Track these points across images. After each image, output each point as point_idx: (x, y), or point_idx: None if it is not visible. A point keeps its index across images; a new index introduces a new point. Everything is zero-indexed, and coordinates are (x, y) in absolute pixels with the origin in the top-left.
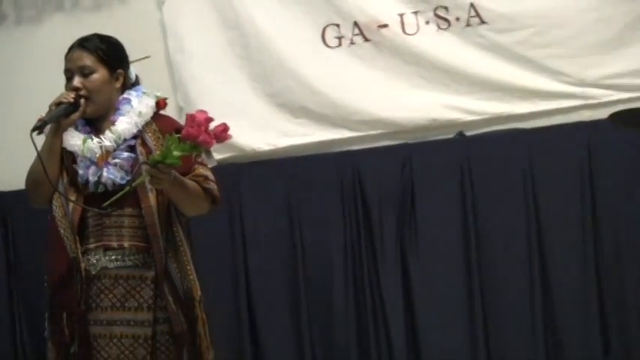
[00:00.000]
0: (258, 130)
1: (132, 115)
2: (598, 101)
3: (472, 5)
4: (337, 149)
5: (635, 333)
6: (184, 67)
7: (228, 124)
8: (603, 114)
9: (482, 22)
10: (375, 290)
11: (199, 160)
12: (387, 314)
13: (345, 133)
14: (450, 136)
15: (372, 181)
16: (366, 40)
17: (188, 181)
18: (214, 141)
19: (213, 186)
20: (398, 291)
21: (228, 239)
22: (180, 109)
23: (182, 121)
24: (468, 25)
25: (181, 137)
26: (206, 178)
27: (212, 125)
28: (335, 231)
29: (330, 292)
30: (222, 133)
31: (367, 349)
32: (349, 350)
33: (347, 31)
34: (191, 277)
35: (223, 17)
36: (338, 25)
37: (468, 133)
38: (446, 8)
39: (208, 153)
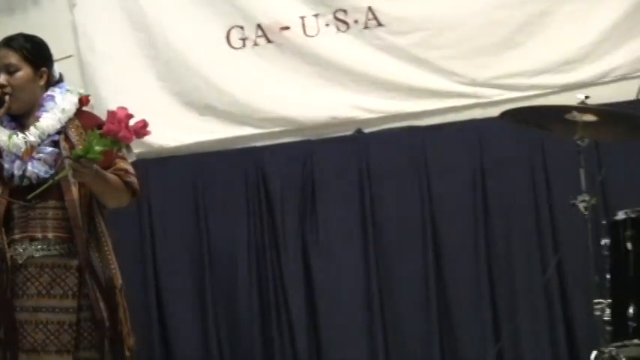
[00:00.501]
0: (166, 127)
1: (55, 111)
2: (489, 100)
3: (370, 9)
4: (241, 145)
5: (524, 329)
6: (95, 67)
7: None
8: (494, 112)
9: (380, 24)
10: (277, 282)
11: (120, 154)
12: (290, 307)
13: (249, 130)
14: (349, 132)
15: (274, 176)
16: (269, 41)
17: (109, 175)
18: (134, 136)
19: (133, 179)
20: (300, 283)
21: (137, 233)
22: (90, 107)
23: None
24: (366, 27)
25: (103, 133)
26: (126, 171)
27: (132, 122)
28: (239, 224)
29: (235, 284)
30: (141, 129)
31: (271, 341)
32: (253, 341)
33: (251, 32)
34: (112, 267)
35: (132, 19)
36: (242, 27)
37: (366, 130)
38: (345, 11)
39: (128, 148)
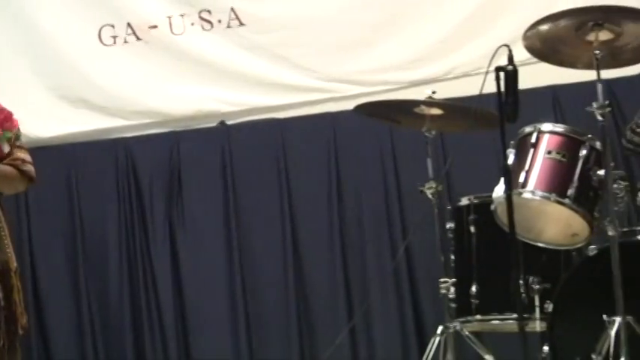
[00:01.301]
0: (42, 119)
1: None
2: (343, 94)
3: (232, 9)
4: (113, 136)
5: (375, 307)
6: None
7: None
8: (348, 105)
9: (242, 24)
10: (146, 260)
11: (17, 144)
12: (157, 285)
13: (120, 122)
14: (213, 124)
15: (143, 165)
16: (139, 39)
17: (3, 166)
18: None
19: (29, 167)
20: (166, 262)
21: (14, 221)
22: None
23: None
24: (229, 27)
25: None
26: (23, 160)
27: None
28: (110, 208)
29: (106, 262)
30: (4, 122)
31: (139, 317)
32: (123, 319)
33: (121, 31)
34: (8, 250)
35: (9, 16)
36: (113, 26)
37: (229, 122)
38: (209, 11)
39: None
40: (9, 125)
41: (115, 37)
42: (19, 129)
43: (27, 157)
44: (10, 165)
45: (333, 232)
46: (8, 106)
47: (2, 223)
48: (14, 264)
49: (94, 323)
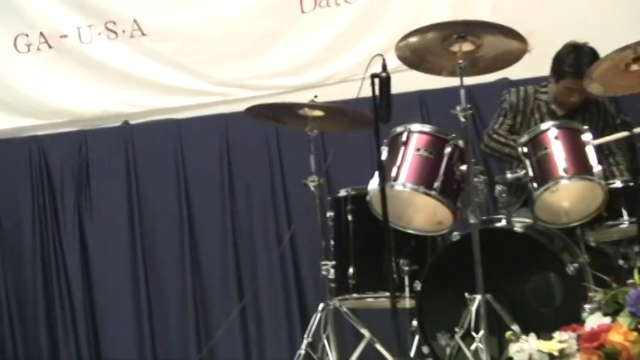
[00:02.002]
0: None
1: None
2: (235, 98)
3: (135, 21)
4: (27, 134)
5: (263, 288)
6: None
7: None
8: (239, 107)
9: (143, 34)
10: (58, 249)
11: None
12: (68, 272)
13: (34, 121)
14: (118, 124)
15: (54, 160)
16: (50, 47)
17: None
18: None
19: None
20: (76, 249)
21: None
22: None
23: None
24: (132, 36)
25: None
26: None
27: None
28: (25, 201)
29: (22, 253)
30: None
31: (52, 301)
32: (37, 299)
33: (34, 39)
34: None
35: None
36: (27, 35)
37: (133, 122)
38: (114, 22)
39: None
40: None
41: (29, 45)
42: None
43: None
44: None
45: (226, 222)
46: None
47: None
48: None
49: (12, 314)
